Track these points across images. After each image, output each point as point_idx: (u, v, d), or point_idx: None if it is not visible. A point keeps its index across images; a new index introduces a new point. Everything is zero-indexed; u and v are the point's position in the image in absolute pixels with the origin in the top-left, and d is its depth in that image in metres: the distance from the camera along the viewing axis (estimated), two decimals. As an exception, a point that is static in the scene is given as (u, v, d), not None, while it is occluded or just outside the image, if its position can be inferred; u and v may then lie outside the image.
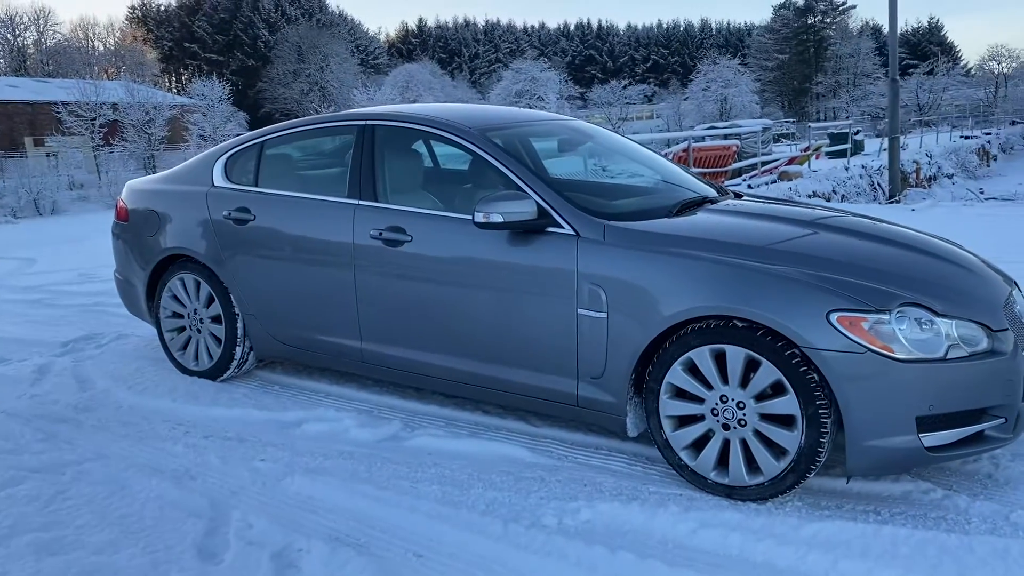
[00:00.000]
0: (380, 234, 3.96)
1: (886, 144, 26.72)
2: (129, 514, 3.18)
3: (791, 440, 3.08)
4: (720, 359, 3.19)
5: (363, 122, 4.25)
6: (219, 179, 4.69)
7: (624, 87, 59.31)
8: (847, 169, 17.55)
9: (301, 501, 3.31)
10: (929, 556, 2.76)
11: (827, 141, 22.48)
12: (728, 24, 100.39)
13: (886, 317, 2.98)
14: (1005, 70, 60.13)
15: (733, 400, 3.17)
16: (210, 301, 4.67)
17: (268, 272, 4.39)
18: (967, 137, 31.69)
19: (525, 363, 3.66)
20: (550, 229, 3.57)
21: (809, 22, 68.79)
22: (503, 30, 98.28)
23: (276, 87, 69.51)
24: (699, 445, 3.30)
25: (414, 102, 54.01)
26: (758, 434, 3.16)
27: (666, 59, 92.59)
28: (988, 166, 28.43)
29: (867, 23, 74.60)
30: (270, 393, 4.59)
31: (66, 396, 4.58)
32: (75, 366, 5.18)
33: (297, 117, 65.76)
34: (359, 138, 4.21)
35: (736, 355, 3.13)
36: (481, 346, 3.76)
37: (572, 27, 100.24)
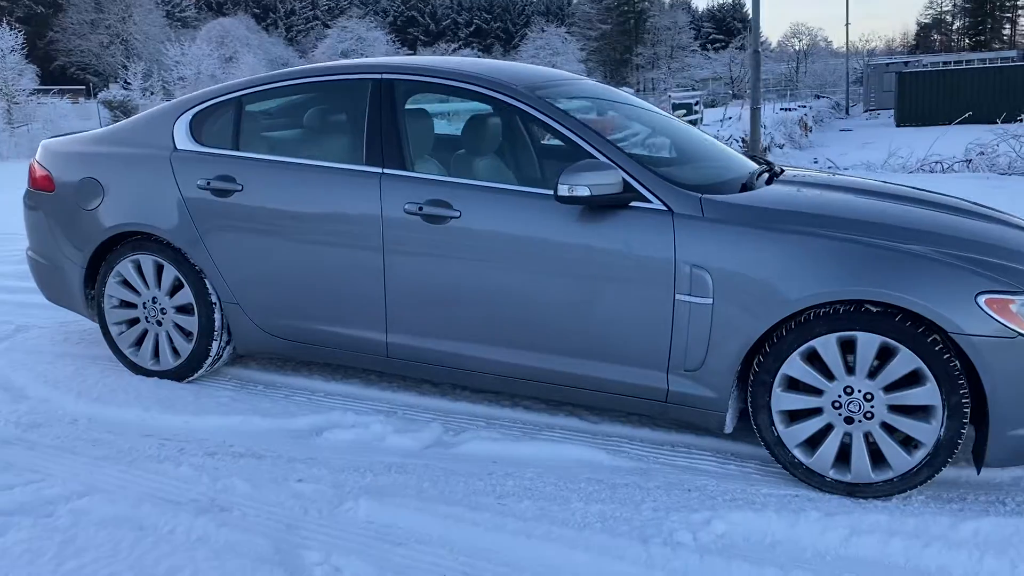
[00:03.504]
0: (420, 209, 3.39)
1: (722, 115, 27.87)
2: (178, 566, 2.51)
3: (928, 432, 2.86)
4: (846, 347, 2.92)
5: (377, 75, 3.63)
6: (184, 141, 3.90)
7: (454, 51, 58.83)
8: (702, 138, 18.03)
9: (379, 531, 2.76)
10: (1100, 550, 2.63)
11: (682, 111, 23.14)
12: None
13: None
14: (804, 46, 64.41)
15: (859, 391, 2.91)
16: (176, 288, 3.90)
17: (260, 253, 3.70)
18: (786, 109, 33.57)
19: (603, 356, 3.25)
20: (635, 204, 3.16)
21: (629, -7, 70.52)
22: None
23: (71, 38, 63.41)
24: (814, 441, 3.03)
25: (230, 59, 51.13)
26: (885, 427, 2.92)
27: (489, 24, 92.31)
28: (807, 136, 30.24)
29: (679, -3, 77.39)
30: (258, 395, 3.90)
31: (-4, 409, 3.71)
32: (-17, 369, 4.23)
33: (98, 72, 60.18)
34: (374, 94, 3.60)
35: (868, 343, 2.87)
36: (547, 338, 3.31)
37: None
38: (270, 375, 4.17)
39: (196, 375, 3.98)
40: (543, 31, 54.50)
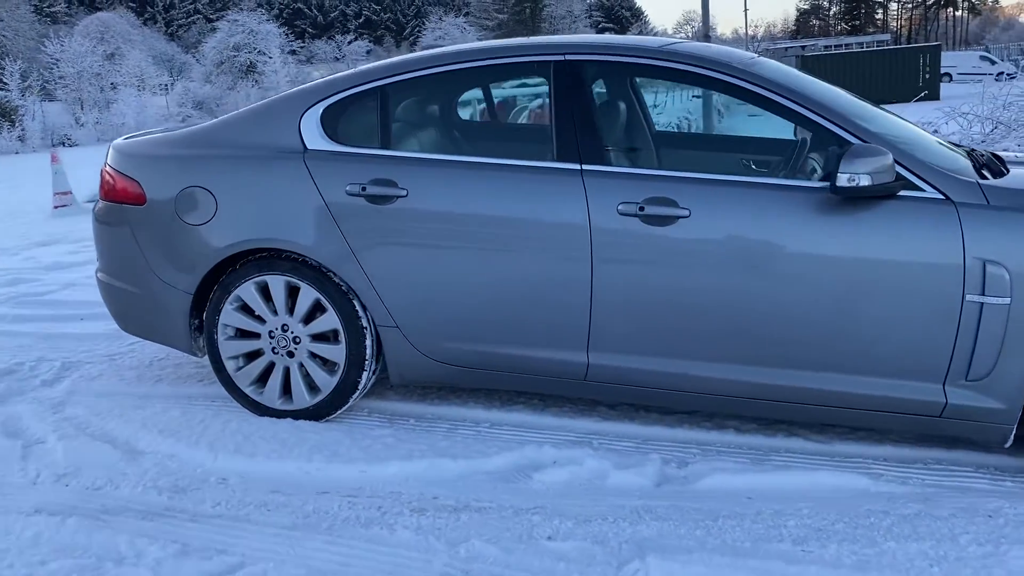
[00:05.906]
0: (640, 209, 2.92)
1: (652, 102, 28.05)
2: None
3: None
4: None
5: (559, 56, 3.13)
6: (315, 140, 3.30)
7: (349, 43, 57.66)
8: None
9: (696, 598, 2.30)
10: None
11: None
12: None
13: None
14: (695, 34, 65.75)
15: None
16: (315, 312, 3.30)
17: (431, 268, 3.14)
18: (697, 97, 34.14)
19: (862, 369, 2.87)
20: (904, 193, 2.79)
21: (525, -19, 70.27)
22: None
23: (-69, 35, 58.86)
24: (1117, 451, 2.74)
25: (112, 55, 48.46)
26: None
27: (379, 15, 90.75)
28: (720, 122, 30.81)
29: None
30: (422, 431, 3.35)
31: (116, 473, 3.03)
32: (61, 420, 3.51)
33: (-33, 72, 56.43)
34: (558, 78, 3.10)
35: None
36: (791, 351, 2.90)
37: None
38: (414, 406, 3.61)
39: (338, 412, 3.40)
40: (441, 20, 53.85)
